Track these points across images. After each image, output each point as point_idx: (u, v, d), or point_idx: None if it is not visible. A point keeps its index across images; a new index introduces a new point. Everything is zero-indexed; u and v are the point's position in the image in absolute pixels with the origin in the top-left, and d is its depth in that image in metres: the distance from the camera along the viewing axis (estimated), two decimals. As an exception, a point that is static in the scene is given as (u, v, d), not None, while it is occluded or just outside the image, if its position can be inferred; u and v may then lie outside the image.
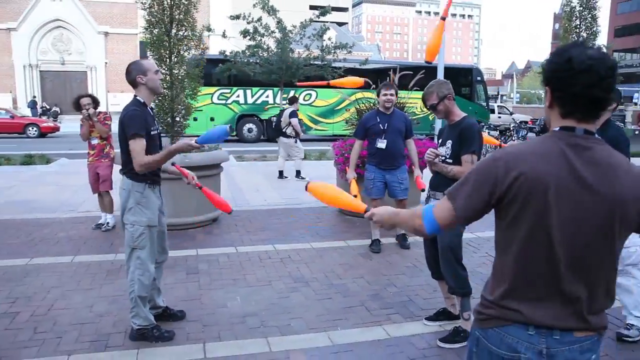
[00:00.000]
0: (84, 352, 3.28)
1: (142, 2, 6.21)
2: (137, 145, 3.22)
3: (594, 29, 8.04)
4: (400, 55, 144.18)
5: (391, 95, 5.29)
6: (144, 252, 3.39)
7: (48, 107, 32.56)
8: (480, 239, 5.99)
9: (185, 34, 6.28)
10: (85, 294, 4.23)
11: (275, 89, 19.27)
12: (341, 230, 6.55)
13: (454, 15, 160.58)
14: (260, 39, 11.87)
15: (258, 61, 12.43)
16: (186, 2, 6.22)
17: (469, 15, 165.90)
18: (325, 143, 15.16)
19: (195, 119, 18.05)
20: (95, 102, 6.26)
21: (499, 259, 1.53)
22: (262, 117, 20.04)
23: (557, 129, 1.46)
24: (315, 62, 12.67)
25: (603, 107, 1.43)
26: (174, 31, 6.23)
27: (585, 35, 8.08)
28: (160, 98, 6.39)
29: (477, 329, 1.57)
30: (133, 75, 3.36)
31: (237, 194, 8.79)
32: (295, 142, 10.54)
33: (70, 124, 24.46)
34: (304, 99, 19.94)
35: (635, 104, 38.28)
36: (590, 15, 8.01)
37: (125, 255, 3.46)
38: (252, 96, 19.52)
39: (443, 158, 3.49)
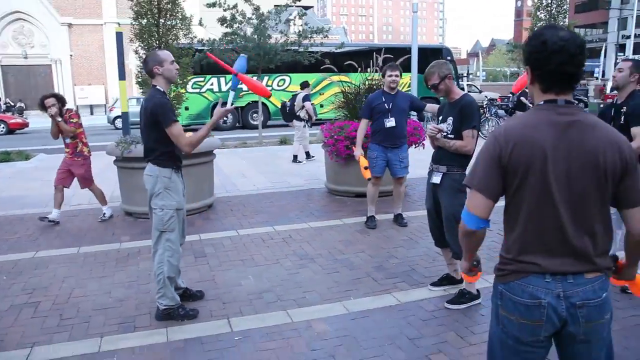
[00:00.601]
0: (115, 333, 3.42)
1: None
2: (177, 130, 3.39)
3: (564, 6, 8.40)
4: (366, 37, 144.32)
5: (396, 76, 5.51)
6: (174, 234, 3.54)
7: (12, 103, 31.64)
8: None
9: (174, 23, 6.34)
10: (100, 281, 4.34)
11: (249, 75, 19.27)
12: (334, 209, 6.76)
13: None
14: (238, 26, 11.88)
15: (235, 48, 12.43)
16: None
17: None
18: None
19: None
20: (61, 101, 6.09)
21: (512, 222, 1.73)
22: (236, 104, 19.98)
23: (541, 102, 1.70)
24: (293, 47, 12.74)
25: (576, 81, 1.67)
26: (162, 21, 6.28)
27: (555, 12, 8.42)
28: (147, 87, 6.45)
29: (499, 284, 1.79)
30: (150, 65, 3.48)
31: (225, 180, 8.90)
32: (304, 126, 10.69)
33: (38, 119, 23.91)
34: (277, 85, 19.99)
35: (597, 78, 39.41)
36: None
37: (153, 239, 3.59)
38: (227, 84, 19.43)
39: (445, 134, 3.72)
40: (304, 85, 11.16)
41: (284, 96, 20.26)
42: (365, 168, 5.43)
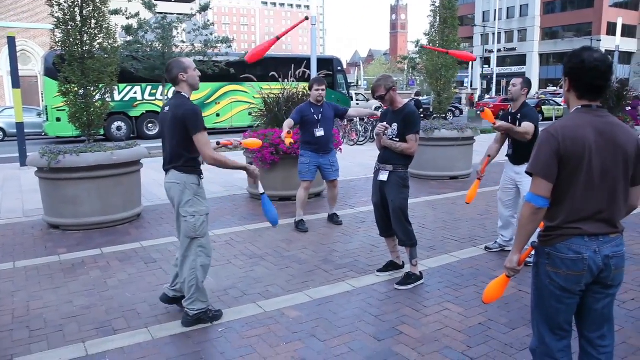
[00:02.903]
0: (95, 337, 3.48)
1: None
2: (205, 138, 3.47)
3: (455, 24, 9.52)
4: (249, 46, 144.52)
5: (322, 90, 6.00)
6: (205, 239, 3.64)
7: None
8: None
9: (97, 31, 6.26)
10: (55, 292, 4.28)
11: (144, 84, 18.77)
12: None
13: (299, 6, 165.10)
14: (143, 35, 11.67)
15: (137, 57, 12.19)
16: (97, 0, 6.20)
17: (305, 6, 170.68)
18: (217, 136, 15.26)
19: (58, 119, 17.04)
20: None
21: (560, 198, 2.24)
22: (131, 114, 19.34)
23: (579, 107, 2.27)
24: (198, 57, 12.77)
25: (604, 91, 2.27)
26: (85, 28, 6.18)
27: (447, 32, 9.48)
28: (72, 97, 6.31)
29: (546, 247, 2.29)
30: (175, 72, 3.55)
31: (144, 190, 8.74)
32: None
33: None
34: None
35: (466, 87, 43.72)
36: (451, 16, 9.45)
37: (182, 247, 3.61)
38: (119, 93, 18.74)
39: (391, 137, 4.26)
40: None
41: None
42: (287, 137, 5.37)
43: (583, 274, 2.23)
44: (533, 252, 2.41)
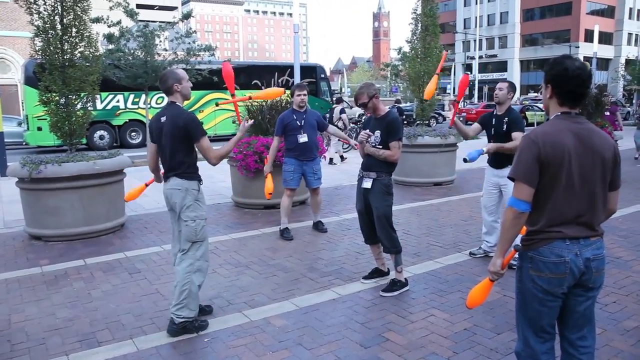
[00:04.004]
0: (79, 350, 3.43)
1: (28, 7, 6.01)
2: (207, 143, 3.60)
3: (437, 31, 9.65)
4: (232, 54, 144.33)
5: (304, 95, 6.02)
6: (205, 243, 3.71)
7: None
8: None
9: (78, 40, 6.21)
10: (37, 305, 4.22)
11: (126, 93, 18.62)
12: (248, 221, 7.05)
13: (281, 14, 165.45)
14: (125, 43, 11.61)
15: (119, 65, 12.11)
16: (78, 8, 6.17)
17: (288, 14, 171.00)
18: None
19: (39, 129, 16.81)
20: None
21: (541, 203, 2.29)
22: (113, 123, 19.16)
23: (559, 113, 2.33)
24: (181, 65, 12.72)
25: (584, 99, 2.33)
26: (65, 37, 6.13)
27: (429, 39, 9.60)
28: (53, 106, 6.25)
29: (529, 251, 2.33)
30: (170, 83, 3.63)
31: (127, 200, 8.69)
32: None
33: None
34: (156, 103, 19.53)
35: (449, 94, 44.20)
36: (433, 24, 9.58)
37: (182, 251, 3.68)
38: (102, 102, 18.56)
39: (373, 144, 4.29)
40: (339, 100, 14.40)
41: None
42: (269, 193, 5.14)
43: (565, 277, 2.27)
44: (517, 256, 2.44)
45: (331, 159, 12.61)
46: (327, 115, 14.33)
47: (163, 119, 3.65)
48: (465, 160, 4.68)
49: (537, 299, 2.34)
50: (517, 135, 4.80)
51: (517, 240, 2.43)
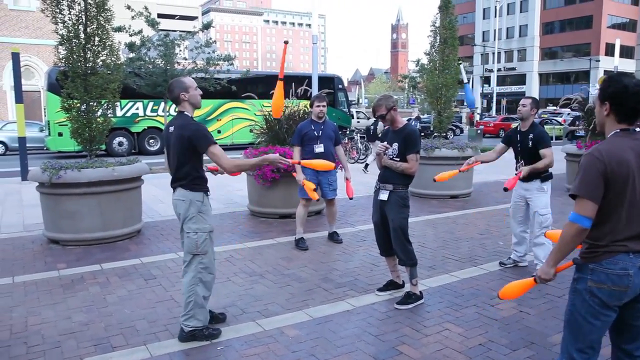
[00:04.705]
0: (94, 354, 3.46)
1: (53, 16, 6.15)
2: (218, 150, 3.52)
3: (455, 44, 9.63)
4: (250, 64, 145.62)
5: (323, 106, 6.06)
6: (207, 256, 3.64)
7: None
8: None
9: (101, 48, 6.33)
10: (54, 308, 4.26)
11: (146, 100, 18.88)
12: (263, 230, 7.07)
13: (300, 25, 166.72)
14: (146, 52, 11.81)
15: (139, 73, 12.30)
16: (101, 18, 6.29)
17: (307, 24, 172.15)
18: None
19: (60, 134, 17.10)
20: None
21: (605, 217, 2.30)
22: (132, 129, 19.43)
23: (618, 130, 2.35)
24: (200, 74, 12.88)
25: None
26: (88, 46, 6.25)
27: (447, 51, 9.59)
28: (75, 112, 6.36)
29: (590, 263, 2.34)
30: (176, 92, 3.61)
31: (144, 207, 8.74)
32: None
33: None
34: (175, 110, 19.75)
35: (467, 106, 43.90)
36: (452, 36, 9.57)
37: (185, 262, 3.66)
38: (121, 109, 18.85)
39: (391, 156, 4.28)
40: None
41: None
42: (314, 190, 5.29)
43: (626, 291, 2.29)
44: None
45: (367, 165, 12.86)
46: (372, 127, 14.69)
47: (171, 129, 3.64)
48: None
49: (591, 312, 2.34)
50: (546, 153, 4.90)
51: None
